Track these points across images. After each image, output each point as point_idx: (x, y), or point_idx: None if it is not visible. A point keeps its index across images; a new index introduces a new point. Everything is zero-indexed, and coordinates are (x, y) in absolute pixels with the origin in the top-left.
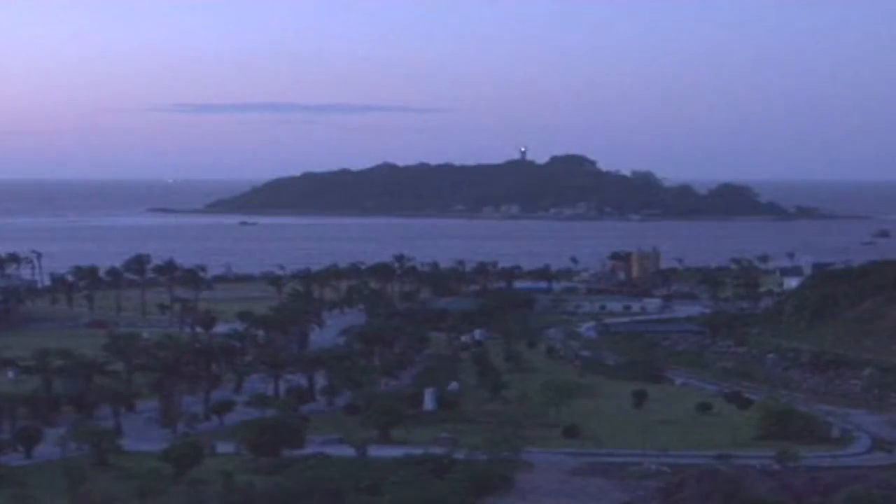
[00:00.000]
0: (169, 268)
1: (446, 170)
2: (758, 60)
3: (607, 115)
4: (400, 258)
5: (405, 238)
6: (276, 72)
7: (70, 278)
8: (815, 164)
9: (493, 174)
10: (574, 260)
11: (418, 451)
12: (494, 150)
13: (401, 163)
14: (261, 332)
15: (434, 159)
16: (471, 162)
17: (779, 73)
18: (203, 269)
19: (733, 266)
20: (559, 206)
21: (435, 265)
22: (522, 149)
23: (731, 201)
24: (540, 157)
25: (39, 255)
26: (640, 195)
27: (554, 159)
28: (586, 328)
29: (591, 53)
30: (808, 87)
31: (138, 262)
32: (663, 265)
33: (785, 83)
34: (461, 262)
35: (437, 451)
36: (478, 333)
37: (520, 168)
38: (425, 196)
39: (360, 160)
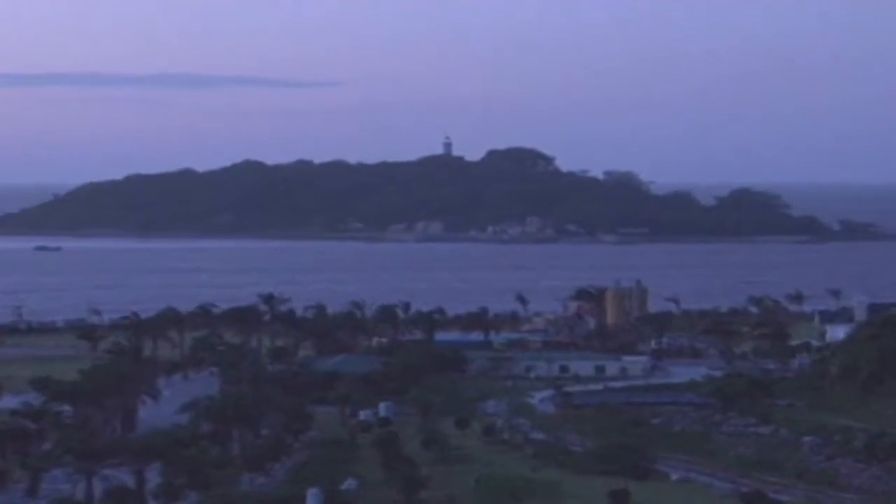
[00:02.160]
0: None
1: (337, 170)
2: (778, 24)
3: (567, 93)
4: (269, 299)
5: (277, 270)
6: (87, 28)
7: None
8: (866, 163)
9: (405, 176)
10: (522, 300)
11: None
12: (407, 143)
13: (271, 160)
14: (66, 408)
15: (320, 155)
16: (373, 159)
17: (813, 40)
18: None
19: (753, 308)
20: (500, 223)
21: (321, 309)
22: (447, 139)
23: (750, 215)
24: (472, 152)
25: None
26: (617, 206)
27: (492, 155)
28: (541, 399)
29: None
30: (852, 61)
31: None
32: (652, 307)
33: (822, 50)
34: (359, 305)
35: None
36: (383, 408)
37: (444, 167)
38: (307, 209)
39: (211, 156)
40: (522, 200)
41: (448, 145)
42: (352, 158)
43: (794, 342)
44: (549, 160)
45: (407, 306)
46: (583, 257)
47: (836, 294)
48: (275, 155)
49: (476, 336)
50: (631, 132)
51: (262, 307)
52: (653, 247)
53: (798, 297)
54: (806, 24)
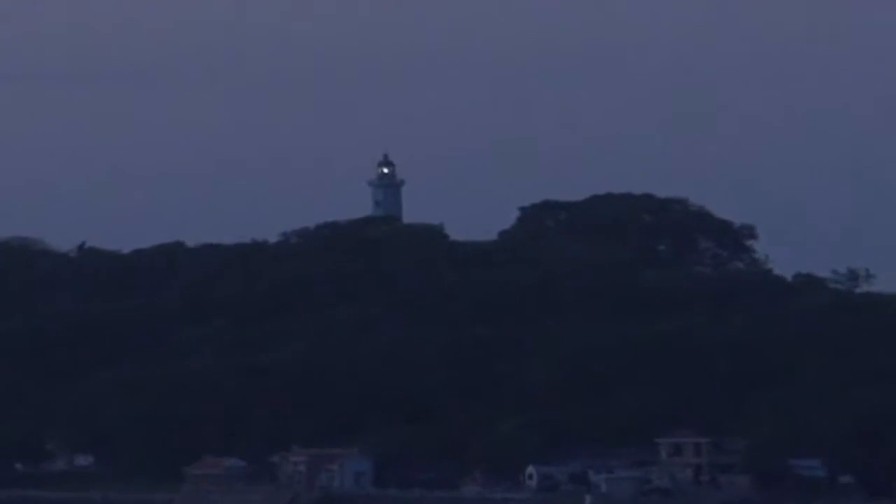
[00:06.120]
0: None
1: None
2: None
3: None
4: None
5: None
6: None
7: None
8: None
9: (263, 285)
10: None
11: None
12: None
13: None
14: None
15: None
16: (154, 237)
17: None
18: None
19: None
20: (566, 455)
21: None
22: (384, 165)
23: None
24: (475, 229)
25: None
26: None
27: (536, 215)
28: None
29: None
30: None
31: None
32: None
33: None
34: None
35: None
36: None
37: (375, 252)
38: None
39: None
40: (637, 375)
41: (388, 188)
42: (98, 237)
43: None
44: (735, 236)
45: None
46: None
47: None
48: None
49: None
50: None
51: None
52: None
53: None
54: None
